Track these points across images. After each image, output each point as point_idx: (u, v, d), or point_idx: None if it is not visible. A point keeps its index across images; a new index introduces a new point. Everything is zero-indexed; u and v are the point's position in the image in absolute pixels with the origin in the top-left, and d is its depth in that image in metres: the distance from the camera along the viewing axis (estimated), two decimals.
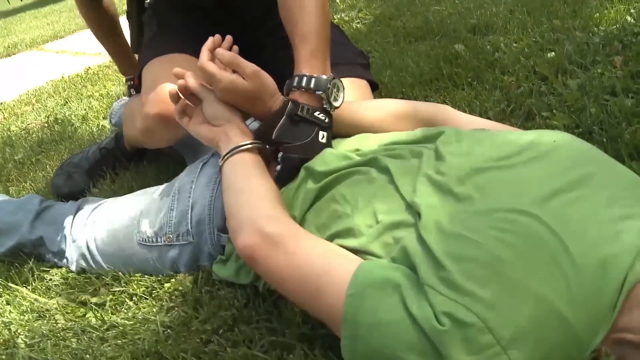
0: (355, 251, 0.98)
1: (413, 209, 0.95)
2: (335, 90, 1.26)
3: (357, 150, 1.17)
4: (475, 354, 0.79)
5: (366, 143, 1.20)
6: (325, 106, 1.24)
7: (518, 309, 0.79)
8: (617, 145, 1.40)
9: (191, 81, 1.29)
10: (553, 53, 2.02)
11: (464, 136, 1.08)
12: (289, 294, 0.98)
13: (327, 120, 1.24)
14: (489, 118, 1.61)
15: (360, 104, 1.39)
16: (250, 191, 1.09)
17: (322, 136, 1.22)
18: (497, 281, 0.80)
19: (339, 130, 1.29)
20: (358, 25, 3.20)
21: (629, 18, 2.17)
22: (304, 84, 1.24)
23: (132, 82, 2.23)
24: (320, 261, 0.94)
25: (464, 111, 1.69)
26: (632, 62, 1.80)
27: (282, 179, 1.19)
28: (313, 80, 1.24)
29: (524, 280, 0.80)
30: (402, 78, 2.16)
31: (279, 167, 1.20)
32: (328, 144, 1.23)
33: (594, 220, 0.88)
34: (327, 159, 1.16)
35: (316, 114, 1.22)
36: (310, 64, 1.28)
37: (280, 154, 1.21)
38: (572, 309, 0.80)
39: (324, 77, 1.25)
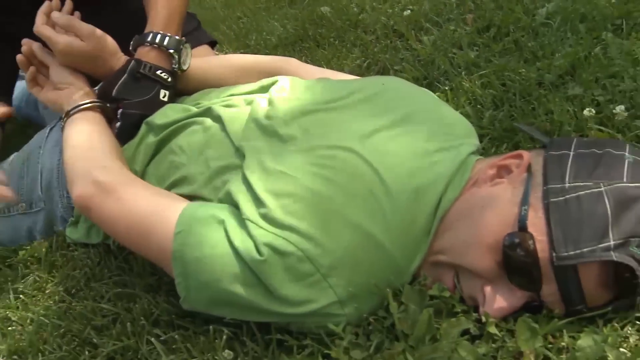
0: (189, 197, 1.01)
1: (240, 152, 0.99)
2: (184, 54, 1.27)
3: (198, 104, 1.19)
4: (298, 282, 0.83)
5: (207, 97, 1.22)
6: (174, 67, 1.25)
7: (336, 239, 0.84)
8: (457, 93, 1.48)
9: (34, 46, 1.28)
10: (409, 11, 2.10)
11: (297, 83, 1.12)
12: (124, 240, 1.00)
13: (169, 79, 1.25)
14: (344, 73, 1.66)
15: (205, 60, 1.41)
16: (85, 145, 1.09)
17: (164, 94, 1.23)
18: (315, 214, 0.85)
19: (186, 87, 1.31)
20: None
21: None
22: (157, 40, 1.24)
23: None
24: (149, 204, 0.96)
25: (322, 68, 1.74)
26: (481, 20, 1.90)
27: (122, 135, 1.19)
28: (167, 38, 1.25)
29: (341, 212, 0.85)
30: (267, 40, 2.19)
31: (118, 124, 1.21)
32: (169, 103, 1.24)
33: (411, 153, 0.94)
34: (166, 113, 1.18)
35: (158, 72, 1.23)
36: (165, 25, 1.28)
37: (119, 111, 1.21)
38: (388, 236, 0.86)
39: (177, 37, 1.26)
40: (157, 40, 1.24)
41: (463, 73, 1.56)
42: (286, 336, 0.89)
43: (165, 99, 1.23)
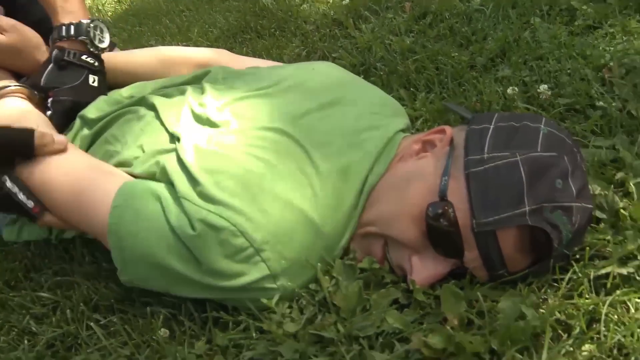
0: None
1: (175, 137, 1.00)
2: (98, 32, 1.25)
3: (132, 97, 1.20)
4: (232, 257, 0.85)
5: (140, 89, 1.22)
6: (91, 49, 1.24)
7: (268, 215, 0.86)
8: (392, 77, 1.52)
9: None
10: (349, 0, 2.13)
11: (229, 73, 1.15)
12: (62, 213, 1.01)
13: (96, 63, 1.24)
14: (283, 62, 1.68)
15: (134, 52, 1.40)
16: (18, 119, 1.08)
17: (93, 80, 1.23)
18: (247, 190, 0.87)
19: (116, 80, 1.30)
20: None
21: None
22: (64, 33, 1.23)
23: None
24: (87, 176, 0.98)
25: (262, 58, 1.76)
26: (418, 7, 1.94)
27: (54, 124, 1.18)
28: (72, 27, 1.23)
29: (272, 189, 0.88)
30: (208, 33, 2.19)
31: (49, 113, 1.20)
32: (100, 89, 1.24)
33: (340, 132, 0.97)
34: (99, 106, 1.18)
35: (84, 57, 1.22)
36: (67, 12, 1.25)
37: (50, 99, 1.20)
38: (318, 212, 0.89)
39: (84, 21, 1.24)
40: (64, 33, 1.22)
41: (398, 58, 1.60)
42: (222, 313, 0.91)
43: (95, 84, 1.23)
